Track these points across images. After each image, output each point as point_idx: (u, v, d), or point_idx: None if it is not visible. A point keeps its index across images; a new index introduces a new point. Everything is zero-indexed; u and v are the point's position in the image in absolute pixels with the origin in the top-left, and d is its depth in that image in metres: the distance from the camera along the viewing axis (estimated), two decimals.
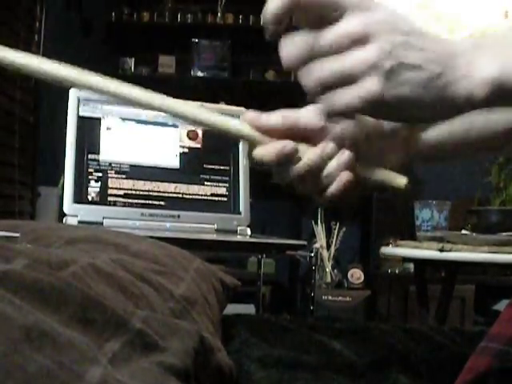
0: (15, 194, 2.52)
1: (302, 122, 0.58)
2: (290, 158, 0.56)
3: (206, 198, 1.70)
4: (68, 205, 1.56)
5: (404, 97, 0.49)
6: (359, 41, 0.49)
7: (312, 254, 1.73)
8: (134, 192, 1.63)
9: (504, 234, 2.00)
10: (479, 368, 0.65)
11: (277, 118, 0.58)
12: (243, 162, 1.74)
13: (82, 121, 1.61)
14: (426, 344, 0.95)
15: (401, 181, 0.59)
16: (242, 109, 1.78)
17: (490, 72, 0.49)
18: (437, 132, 0.66)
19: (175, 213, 1.66)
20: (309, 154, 0.57)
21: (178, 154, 1.70)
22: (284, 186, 0.59)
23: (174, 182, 1.67)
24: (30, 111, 2.71)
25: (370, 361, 0.84)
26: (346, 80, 0.49)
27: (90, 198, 1.59)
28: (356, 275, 3.41)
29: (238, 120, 0.59)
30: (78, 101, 1.62)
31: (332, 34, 0.49)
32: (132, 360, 0.43)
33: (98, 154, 1.62)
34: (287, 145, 0.56)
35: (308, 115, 0.58)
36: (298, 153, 0.56)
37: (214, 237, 1.63)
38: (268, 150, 0.57)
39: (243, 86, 3.91)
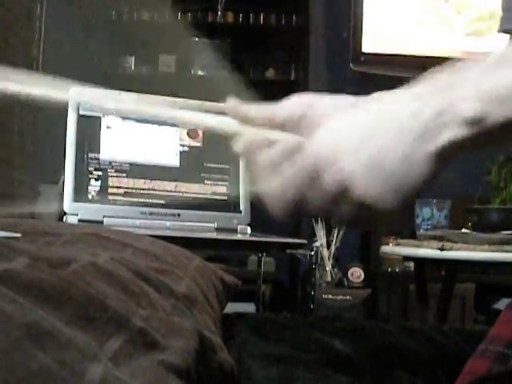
0: (15, 192, 2.52)
1: (281, 113, 0.59)
2: (260, 147, 0.57)
3: (206, 196, 1.70)
4: (68, 203, 1.56)
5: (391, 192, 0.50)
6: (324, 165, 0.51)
7: (312, 253, 1.73)
8: (134, 190, 1.63)
9: (504, 232, 1.99)
10: (478, 370, 0.65)
11: (256, 108, 0.59)
12: (243, 161, 1.74)
13: (82, 119, 1.61)
14: (426, 343, 0.95)
15: None
16: None
17: (468, 110, 0.47)
18: None
19: (175, 211, 1.66)
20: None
21: (178, 153, 1.70)
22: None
23: (174, 181, 1.68)
24: (30, 109, 2.71)
25: (370, 359, 0.84)
26: None
27: (90, 196, 1.59)
28: (356, 274, 3.41)
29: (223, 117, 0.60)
30: None
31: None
32: (133, 358, 0.43)
33: (98, 152, 1.62)
34: (257, 134, 0.57)
35: (288, 106, 0.59)
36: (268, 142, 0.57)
37: (214, 235, 1.63)
38: (246, 140, 0.58)
39: (243, 85, 3.91)
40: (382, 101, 0.52)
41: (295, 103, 0.58)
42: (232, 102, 0.60)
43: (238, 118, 0.59)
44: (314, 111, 0.56)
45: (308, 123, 0.56)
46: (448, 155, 0.49)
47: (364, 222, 0.54)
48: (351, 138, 0.51)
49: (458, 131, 0.48)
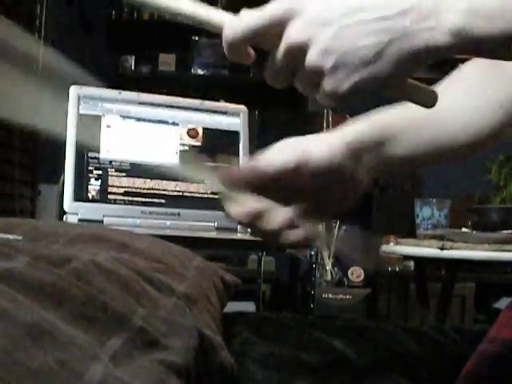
0: (15, 192, 2.52)
1: (270, 172, 0.60)
2: (257, 219, 0.61)
3: (206, 195, 1.70)
4: (68, 203, 1.56)
5: (359, 80, 0.49)
6: (303, 47, 0.50)
7: (312, 252, 1.73)
8: (134, 190, 1.63)
9: (504, 232, 2.00)
10: (478, 372, 0.65)
11: (246, 170, 0.61)
12: (243, 160, 1.74)
13: (82, 118, 1.61)
14: (426, 342, 0.95)
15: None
16: (242, 106, 1.78)
17: (453, 21, 0.47)
18: (404, 146, 0.68)
19: (175, 211, 1.66)
20: (275, 218, 0.61)
21: (178, 152, 1.70)
22: None
23: (174, 180, 1.67)
24: (30, 109, 2.71)
25: (370, 359, 0.84)
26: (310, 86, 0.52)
27: (90, 196, 1.59)
28: (356, 273, 3.41)
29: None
30: (78, 99, 1.62)
31: (279, 52, 0.51)
32: (133, 358, 0.43)
33: (98, 152, 1.61)
34: (252, 209, 0.60)
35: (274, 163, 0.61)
36: (265, 214, 0.61)
37: (215, 235, 1.63)
38: (238, 210, 0.62)
39: (243, 84, 3.91)
40: None
41: None
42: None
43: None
44: None
45: None
46: (424, 59, 0.49)
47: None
48: (331, 4, 0.50)
49: (439, 39, 0.48)
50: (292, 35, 0.50)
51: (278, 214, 0.61)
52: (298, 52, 0.50)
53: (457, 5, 0.48)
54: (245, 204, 0.60)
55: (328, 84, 0.50)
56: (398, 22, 0.48)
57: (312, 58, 0.49)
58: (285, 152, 0.60)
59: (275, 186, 0.61)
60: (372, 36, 0.48)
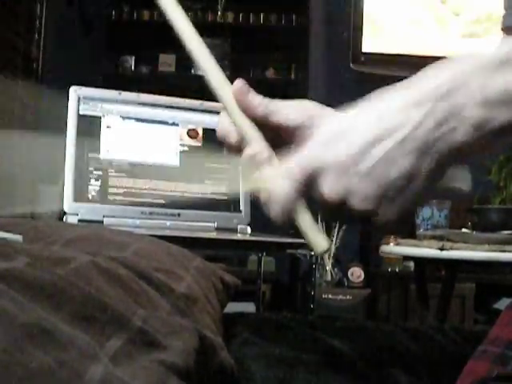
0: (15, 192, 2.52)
1: (280, 115, 0.58)
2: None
3: (206, 196, 1.70)
4: (68, 203, 1.56)
5: (404, 204, 0.51)
6: (344, 198, 0.52)
7: (312, 253, 1.73)
8: (134, 190, 1.63)
9: (504, 232, 1.99)
10: (478, 372, 0.65)
11: (260, 101, 0.58)
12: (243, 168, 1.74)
13: (82, 119, 1.61)
14: (426, 343, 0.95)
15: (322, 244, 0.60)
16: None
17: (475, 115, 0.48)
18: None
19: (175, 211, 1.66)
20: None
21: (178, 153, 1.70)
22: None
23: (174, 181, 1.67)
24: (30, 109, 2.71)
25: (370, 360, 0.84)
26: None
27: (90, 196, 1.59)
28: (356, 274, 3.41)
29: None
30: (78, 99, 1.62)
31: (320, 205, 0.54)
32: (133, 358, 0.43)
33: (98, 152, 1.62)
34: (262, 153, 0.58)
35: (288, 111, 0.58)
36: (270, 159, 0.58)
37: (214, 235, 1.63)
38: (246, 153, 0.59)
39: None
40: (380, 108, 0.52)
41: (297, 110, 0.57)
42: (240, 85, 0.59)
43: (241, 102, 0.59)
44: (314, 124, 0.56)
45: (304, 135, 0.56)
46: (452, 161, 0.50)
47: (362, 222, 0.56)
48: (349, 148, 0.51)
49: (462, 137, 0.48)
50: (330, 192, 0.52)
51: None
52: (340, 202, 0.52)
53: (470, 99, 0.48)
54: (251, 149, 0.59)
55: (379, 219, 0.52)
56: (418, 138, 0.49)
57: (357, 205, 0.51)
58: (295, 110, 0.58)
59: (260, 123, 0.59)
60: (400, 162, 0.49)
